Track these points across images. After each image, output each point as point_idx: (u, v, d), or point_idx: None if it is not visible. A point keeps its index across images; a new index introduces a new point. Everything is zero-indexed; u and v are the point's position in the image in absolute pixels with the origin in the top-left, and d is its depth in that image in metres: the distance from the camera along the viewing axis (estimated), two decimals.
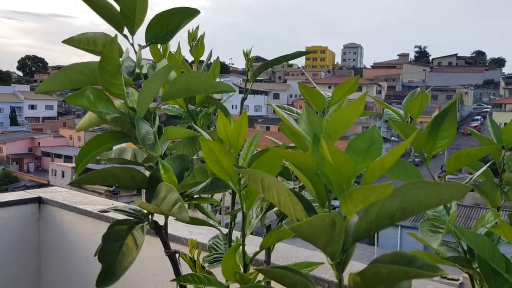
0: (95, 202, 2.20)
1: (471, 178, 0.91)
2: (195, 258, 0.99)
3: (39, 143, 36.24)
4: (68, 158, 33.23)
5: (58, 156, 34.60)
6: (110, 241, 0.68)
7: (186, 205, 0.65)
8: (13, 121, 45.39)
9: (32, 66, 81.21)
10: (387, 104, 0.97)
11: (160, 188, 0.67)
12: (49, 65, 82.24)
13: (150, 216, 0.73)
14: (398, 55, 79.96)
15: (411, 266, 0.47)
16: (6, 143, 35.31)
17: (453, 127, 0.91)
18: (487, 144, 0.93)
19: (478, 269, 0.78)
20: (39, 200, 2.27)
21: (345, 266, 0.54)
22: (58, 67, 73.39)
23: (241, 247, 0.63)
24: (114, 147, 0.84)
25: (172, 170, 0.70)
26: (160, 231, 0.76)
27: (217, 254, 0.96)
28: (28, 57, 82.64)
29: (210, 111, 1.01)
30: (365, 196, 0.47)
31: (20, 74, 79.41)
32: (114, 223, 0.69)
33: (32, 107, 48.38)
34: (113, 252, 0.67)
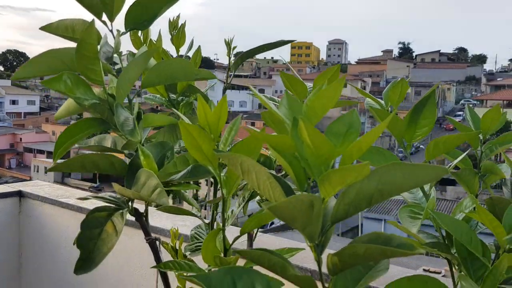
0: (77, 195, 2.18)
1: (450, 165, 0.92)
2: (177, 247, 0.99)
3: (21, 138, 35.68)
4: (51, 154, 32.78)
5: (41, 152, 34.12)
6: (89, 227, 0.67)
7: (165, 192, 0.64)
8: None
9: (13, 60, 79.83)
10: (368, 93, 0.97)
11: (140, 174, 0.67)
12: None
13: (130, 203, 0.73)
14: (382, 51, 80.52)
15: (388, 245, 0.47)
16: None
17: (433, 116, 0.92)
18: (465, 131, 0.94)
19: (456, 254, 0.80)
20: (19, 194, 2.24)
21: (324, 248, 0.55)
22: None
23: (221, 232, 0.63)
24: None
25: (152, 156, 0.70)
26: (140, 218, 0.75)
27: (199, 242, 0.95)
28: (9, 51, 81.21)
29: (191, 100, 1.00)
30: (342, 177, 0.48)
31: (1, 68, 78.02)
32: (93, 210, 0.69)
33: (14, 102, 47.58)
34: (92, 239, 0.66)
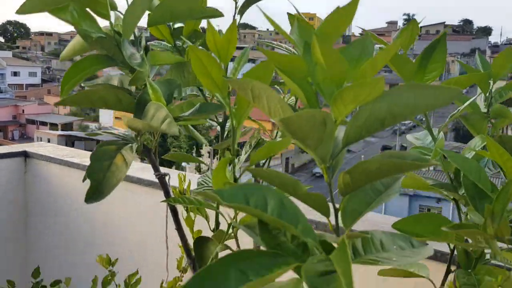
0: (82, 155, 2.19)
1: (458, 109, 0.91)
2: (184, 192, 0.99)
3: (23, 110, 35.69)
4: (53, 126, 32.86)
5: (43, 123, 34.18)
6: (99, 159, 0.67)
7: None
8: None
9: (14, 32, 79.05)
10: (377, 36, 0.96)
11: (149, 107, 0.66)
12: (31, 31, 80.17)
13: (139, 138, 0.73)
14: (386, 22, 79.41)
15: (403, 160, 0.47)
16: None
17: (443, 59, 0.91)
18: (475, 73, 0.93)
19: (464, 194, 0.80)
20: (24, 154, 2.25)
21: (335, 171, 0.55)
22: (41, 33, 71.62)
23: (231, 162, 0.63)
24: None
25: (160, 91, 0.69)
26: (149, 153, 0.75)
27: (206, 187, 0.96)
28: (9, 22, 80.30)
29: (197, 44, 0.99)
30: (355, 94, 0.47)
31: (2, 40, 77.32)
32: (102, 143, 0.69)
33: (15, 73, 47.37)
34: (102, 170, 0.66)
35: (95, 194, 0.65)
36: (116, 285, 1.64)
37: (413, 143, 0.98)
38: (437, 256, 1.15)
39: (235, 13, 0.85)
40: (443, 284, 0.90)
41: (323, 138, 0.48)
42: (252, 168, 0.51)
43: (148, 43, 1.06)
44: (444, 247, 1.16)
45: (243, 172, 0.65)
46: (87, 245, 2.04)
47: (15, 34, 78.27)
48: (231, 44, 0.58)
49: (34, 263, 2.16)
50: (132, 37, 0.75)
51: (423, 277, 0.96)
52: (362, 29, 1.05)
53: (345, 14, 0.52)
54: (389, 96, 0.50)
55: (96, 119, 33.76)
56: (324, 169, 0.53)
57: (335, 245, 0.51)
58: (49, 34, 70.85)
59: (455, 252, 0.87)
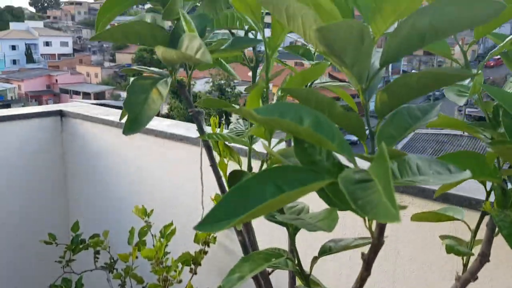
0: (116, 113, 2.23)
1: (499, 46, 0.88)
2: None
3: (56, 80, 36.47)
4: (86, 95, 33.52)
5: (76, 93, 34.89)
6: (135, 92, 0.68)
7: None
8: (29, 58, 45.47)
9: (44, 1, 79.97)
10: None
11: (183, 38, 0.66)
12: (61, 0, 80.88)
13: (173, 74, 0.73)
14: None
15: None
16: (24, 80, 35.62)
17: None
18: None
19: (503, 132, 0.78)
20: (60, 113, 2.31)
21: (371, 94, 0.54)
22: (71, 2, 72.20)
23: (264, 91, 0.63)
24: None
25: (193, 23, 0.69)
26: (183, 89, 0.76)
27: (239, 130, 0.97)
28: None
29: None
30: (394, 4, 0.46)
31: (33, 10, 78.44)
32: (138, 77, 0.70)
33: (47, 44, 48.20)
34: (139, 103, 0.67)
35: (133, 125, 0.66)
36: (152, 235, 1.70)
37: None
38: (471, 204, 1.13)
39: None
40: (477, 228, 0.89)
41: (360, 54, 0.48)
42: (288, 88, 0.50)
43: None
44: (479, 194, 1.14)
45: (279, 97, 0.65)
46: (123, 198, 2.10)
47: (46, 4, 79.22)
48: None
49: (74, 217, 2.25)
50: None
51: (458, 219, 0.95)
52: None
53: None
54: (431, 9, 0.48)
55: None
56: (360, 90, 0.52)
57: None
58: (79, 3, 71.39)
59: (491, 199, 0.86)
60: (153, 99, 0.68)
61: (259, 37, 0.71)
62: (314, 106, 0.50)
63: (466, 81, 0.93)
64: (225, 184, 0.79)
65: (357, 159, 0.47)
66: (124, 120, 0.71)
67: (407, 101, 0.49)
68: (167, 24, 0.79)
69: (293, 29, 0.54)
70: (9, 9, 58.80)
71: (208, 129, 1.14)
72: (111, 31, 0.70)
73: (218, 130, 1.01)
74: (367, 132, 0.53)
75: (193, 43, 0.63)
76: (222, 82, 23.59)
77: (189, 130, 1.83)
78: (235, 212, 0.41)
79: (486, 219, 0.86)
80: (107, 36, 0.70)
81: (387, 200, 0.34)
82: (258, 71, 0.95)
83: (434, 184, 0.50)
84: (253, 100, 0.60)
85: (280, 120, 0.44)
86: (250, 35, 0.83)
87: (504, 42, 0.89)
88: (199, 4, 0.78)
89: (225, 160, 0.99)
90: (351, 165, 0.47)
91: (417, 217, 0.98)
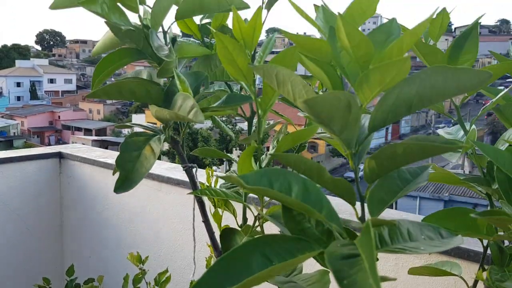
0: (114, 155, 2.23)
1: (491, 101, 0.89)
2: (213, 186, 1.00)
3: (59, 116, 36.78)
4: (88, 131, 33.72)
5: (78, 129, 35.11)
6: (128, 150, 0.68)
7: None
8: (33, 95, 46.03)
9: (50, 40, 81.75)
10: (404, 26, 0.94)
11: (177, 98, 0.67)
12: (67, 39, 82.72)
13: (167, 130, 0.74)
14: None
15: (433, 143, 0.46)
16: (27, 116, 35.92)
17: (475, 51, 0.88)
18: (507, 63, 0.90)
19: (497, 187, 0.77)
20: (59, 155, 2.32)
21: (360, 158, 0.54)
22: (76, 41, 73.71)
23: (256, 150, 0.63)
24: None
25: (187, 82, 0.70)
26: (177, 145, 0.76)
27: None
28: (46, 31, 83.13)
29: None
30: (381, 75, 0.46)
31: (39, 48, 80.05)
32: (131, 134, 0.70)
33: (52, 81, 48.89)
34: (131, 161, 0.68)
35: (124, 183, 0.66)
36: (147, 283, 1.67)
37: (443, 135, 0.96)
38: (469, 256, 1.12)
39: (262, 4, 0.86)
40: (475, 283, 0.87)
41: (348, 122, 0.48)
42: (277, 153, 0.50)
43: (178, 40, 1.08)
44: (477, 246, 1.13)
45: (270, 161, 0.65)
46: (118, 243, 2.08)
47: (51, 43, 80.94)
48: (256, 31, 0.58)
49: (69, 261, 2.22)
50: (160, 30, 0.77)
51: (456, 275, 0.94)
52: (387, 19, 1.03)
53: None
54: (417, 79, 0.49)
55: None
56: (349, 155, 0.52)
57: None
58: (84, 42, 72.90)
59: (489, 252, 0.84)
60: (146, 156, 0.69)
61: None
62: (303, 172, 0.50)
63: (460, 135, 0.93)
64: (218, 240, 0.78)
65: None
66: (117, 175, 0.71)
67: (394, 168, 0.49)
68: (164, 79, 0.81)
69: (283, 93, 0.55)
70: (16, 47, 60.05)
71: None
72: (106, 89, 0.71)
73: (213, 181, 1.00)
74: (358, 197, 0.53)
75: (186, 103, 0.64)
76: (224, 119, 23.75)
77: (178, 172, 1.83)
78: (221, 286, 0.41)
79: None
80: (101, 94, 0.71)
81: (373, 282, 0.34)
82: (254, 121, 0.96)
83: (425, 252, 0.50)
84: (245, 161, 0.61)
85: (268, 191, 0.44)
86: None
87: (497, 97, 0.90)
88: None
89: (220, 211, 0.98)
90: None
91: (414, 271, 0.96)
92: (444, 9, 0.88)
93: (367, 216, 0.53)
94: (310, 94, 0.52)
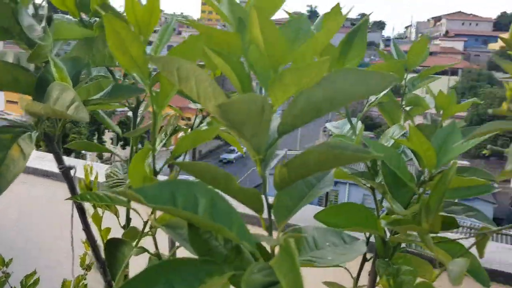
0: None
1: (376, 97, 0.92)
2: (91, 186, 0.90)
3: None
4: None
5: None
6: None
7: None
8: None
9: None
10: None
11: (52, 88, 0.57)
12: None
13: (39, 125, 0.63)
14: (293, 13, 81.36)
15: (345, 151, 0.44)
16: None
17: (363, 47, 0.90)
18: (391, 61, 0.94)
19: (382, 182, 0.81)
20: None
21: (268, 163, 0.50)
22: None
23: (151, 153, 0.56)
24: None
25: (65, 70, 0.60)
26: (52, 144, 0.65)
27: (117, 179, 0.87)
28: None
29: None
30: (298, 77, 0.43)
31: None
32: None
33: None
34: None
35: None
36: (11, 287, 1.48)
37: (332, 130, 0.98)
38: None
39: None
40: (359, 273, 0.91)
41: (260, 126, 0.44)
42: (179, 161, 0.45)
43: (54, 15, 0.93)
44: (361, 236, 1.18)
45: (165, 164, 0.59)
46: None
47: None
48: (154, 16, 0.51)
49: None
50: (31, 7, 0.65)
51: (341, 266, 0.97)
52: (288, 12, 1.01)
53: None
54: (326, 82, 0.46)
55: None
56: (258, 161, 0.48)
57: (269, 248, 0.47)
58: None
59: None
60: (13, 159, 0.57)
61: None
62: (209, 182, 0.45)
63: (346, 130, 0.96)
64: (103, 250, 0.70)
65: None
66: None
67: (306, 176, 0.47)
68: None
69: (185, 90, 0.49)
70: None
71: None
72: None
73: (92, 177, 0.90)
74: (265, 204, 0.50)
75: (65, 95, 0.55)
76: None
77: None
78: None
79: (367, 266, 0.89)
80: None
81: None
82: (140, 111, 0.87)
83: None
84: (136, 167, 0.53)
85: (172, 209, 0.38)
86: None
87: (380, 95, 0.94)
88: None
89: (100, 211, 0.88)
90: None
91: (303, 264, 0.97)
92: (337, 5, 0.88)
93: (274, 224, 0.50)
94: (218, 94, 0.46)
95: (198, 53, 0.50)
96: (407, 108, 0.97)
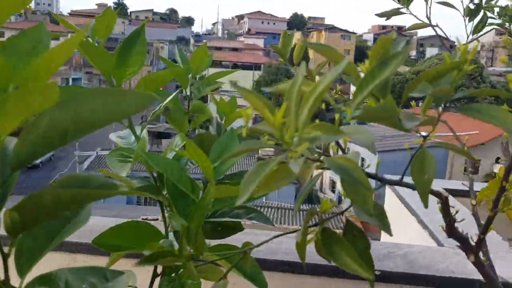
0: None
1: (160, 105, 0.89)
2: None
3: None
4: None
5: None
6: None
7: None
8: None
9: None
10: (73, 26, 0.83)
11: None
12: None
13: None
14: (96, 4, 77.10)
15: (86, 187, 0.38)
16: None
17: (143, 52, 0.86)
18: (174, 68, 0.92)
19: (167, 195, 0.77)
20: None
21: (4, 202, 0.41)
22: None
23: None
24: None
25: None
26: None
27: None
28: None
29: None
30: (24, 103, 0.35)
31: None
32: None
33: None
34: None
35: None
36: None
37: (117, 142, 0.91)
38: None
39: None
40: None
41: None
42: None
43: None
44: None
45: None
46: None
47: None
48: None
49: None
50: None
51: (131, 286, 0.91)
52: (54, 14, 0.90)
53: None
54: (74, 103, 0.40)
55: None
56: None
57: None
58: None
59: None
60: None
61: None
62: None
63: (132, 140, 0.90)
64: None
65: None
66: None
67: (45, 220, 0.40)
68: None
69: None
70: None
71: None
72: None
73: None
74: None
75: None
76: None
77: None
78: None
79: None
80: None
81: None
82: None
83: None
84: None
85: None
86: None
87: (166, 101, 0.90)
88: None
89: None
90: None
91: None
92: (109, 8, 0.81)
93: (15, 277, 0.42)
94: None
95: None
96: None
